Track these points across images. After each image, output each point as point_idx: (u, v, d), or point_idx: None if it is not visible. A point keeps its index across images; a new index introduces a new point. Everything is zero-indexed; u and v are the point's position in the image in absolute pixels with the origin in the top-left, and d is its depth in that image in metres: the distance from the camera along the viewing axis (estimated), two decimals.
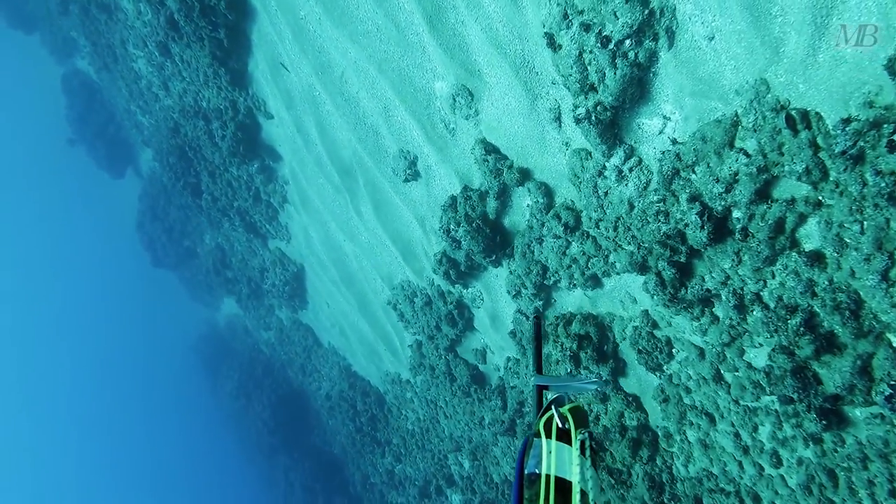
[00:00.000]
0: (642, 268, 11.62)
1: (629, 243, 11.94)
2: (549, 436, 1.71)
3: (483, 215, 15.50)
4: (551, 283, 15.16)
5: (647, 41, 9.72)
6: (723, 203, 9.50)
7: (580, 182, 12.55)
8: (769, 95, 8.75)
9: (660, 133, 10.71)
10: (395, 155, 18.02)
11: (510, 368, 18.90)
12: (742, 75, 9.04)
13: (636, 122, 10.91)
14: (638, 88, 10.29)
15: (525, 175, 14.03)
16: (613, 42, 9.81)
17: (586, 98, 10.76)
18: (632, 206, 11.72)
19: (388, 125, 17.75)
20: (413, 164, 17.76)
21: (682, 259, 10.56)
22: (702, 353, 12.17)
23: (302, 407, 42.53)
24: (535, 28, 11.77)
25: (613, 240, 12.45)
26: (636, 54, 9.86)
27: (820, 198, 8.62)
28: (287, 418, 43.66)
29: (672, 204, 10.40)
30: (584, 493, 1.37)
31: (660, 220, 10.51)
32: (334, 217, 24.39)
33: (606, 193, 12.07)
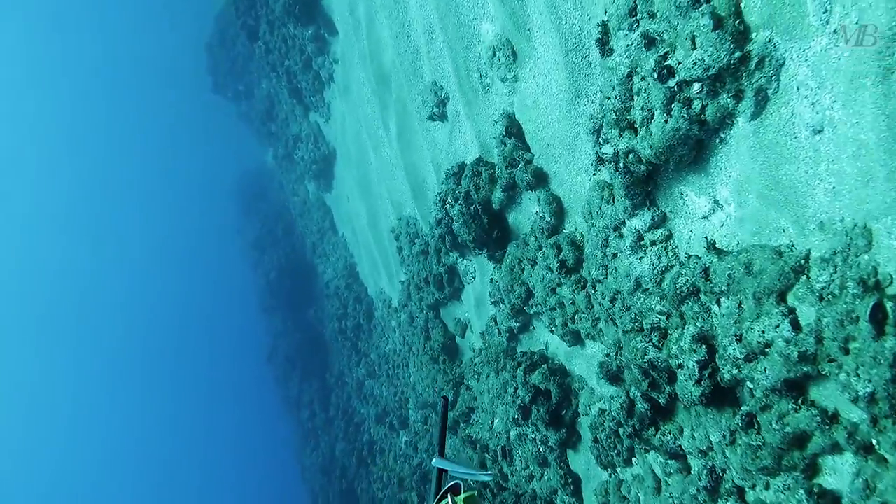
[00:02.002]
0: (614, 378, 8.64)
1: (616, 328, 8.91)
2: None
3: (486, 201, 12.47)
4: (532, 312, 12.26)
5: (724, 96, 6.32)
6: (736, 371, 6.36)
7: (592, 225, 9.35)
8: (865, 256, 5.46)
9: (704, 218, 7.45)
10: (428, 85, 14.89)
11: (474, 365, 16.33)
12: (839, 207, 5.71)
13: (679, 190, 7.63)
14: (692, 152, 6.93)
15: (540, 179, 10.88)
16: (677, 79, 6.40)
17: (620, 136, 7.43)
18: (638, 287, 8.57)
19: (427, 49, 14.58)
20: (442, 104, 14.64)
21: (662, 401, 7.53)
22: (658, 488, 9.36)
23: (306, 281, 41.48)
24: (600, 8, 8.24)
25: (608, 311, 9.39)
26: (703, 107, 6.47)
27: (875, 442, 5.53)
28: (290, 286, 42.79)
29: (674, 328, 7.26)
30: None
31: (650, 341, 7.42)
32: (366, 119, 21.79)
33: (615, 256, 8.94)
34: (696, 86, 6.52)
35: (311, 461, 41.97)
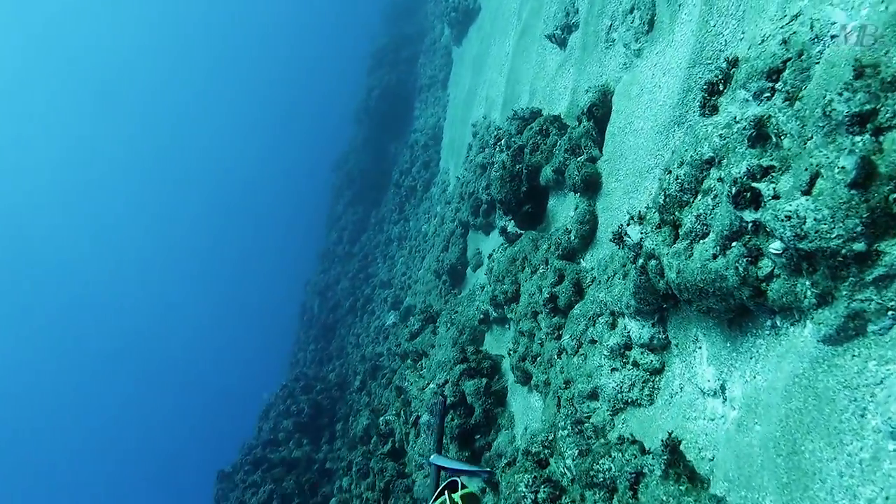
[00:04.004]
0: (540, 464, 6.70)
1: (556, 412, 6.92)
2: None
3: (535, 170, 10.07)
4: (508, 316, 10.20)
5: (805, 283, 3.84)
6: None
7: (596, 287, 7.05)
8: None
9: (702, 392, 5.14)
10: (560, 4, 11.95)
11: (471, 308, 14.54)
12: None
13: (696, 334, 5.23)
14: (729, 312, 4.49)
15: (589, 187, 8.50)
16: (758, 216, 3.89)
17: (657, 229, 4.96)
18: (593, 397, 6.45)
19: None
20: (567, 30, 11.85)
21: None
22: None
23: (400, 115, 39.65)
24: (751, 38, 5.46)
25: (557, 388, 7.35)
26: (771, 275, 4.02)
27: None
28: (385, 111, 41.07)
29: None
30: None
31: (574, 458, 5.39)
32: (502, 8, 18.87)
33: (593, 343, 6.70)
34: (777, 245, 3.95)
35: (316, 280, 42.22)
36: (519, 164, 10.25)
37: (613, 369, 6.42)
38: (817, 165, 3.74)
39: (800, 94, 4.16)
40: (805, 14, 4.50)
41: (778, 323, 4.41)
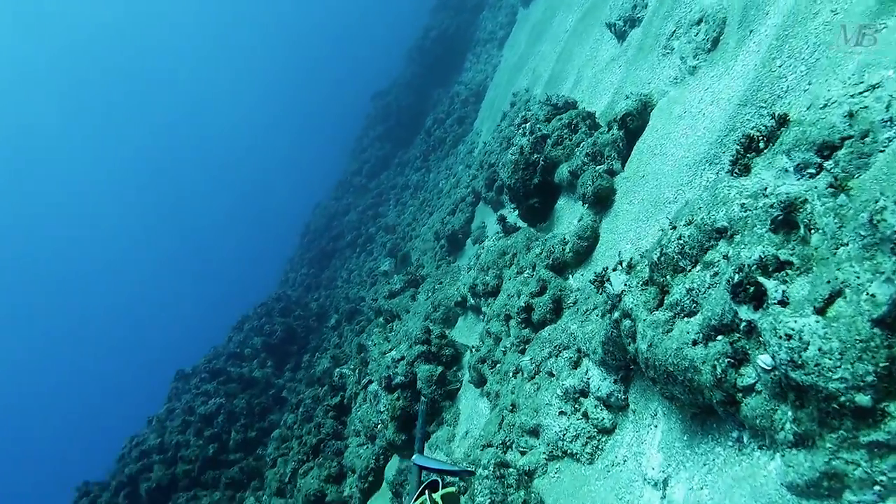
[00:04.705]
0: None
1: (497, 430, 6.34)
2: None
3: (552, 164, 9.29)
4: (483, 310, 9.60)
5: (785, 414, 3.06)
6: None
7: (572, 317, 6.37)
8: None
9: (644, 479, 4.48)
10: None
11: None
12: None
13: (656, 410, 4.55)
14: (694, 407, 3.80)
15: (599, 202, 7.71)
16: (756, 317, 3.16)
17: (643, 287, 4.26)
18: (533, 434, 5.85)
19: None
20: (630, 23, 10.87)
21: None
22: None
23: (451, 63, 38.33)
24: (819, 90, 4.61)
25: (503, 408, 6.75)
26: (751, 389, 3.26)
27: None
28: (438, 54, 39.81)
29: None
30: None
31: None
32: None
33: (551, 376, 6.05)
34: (768, 361, 3.23)
35: (327, 205, 41.70)
36: (538, 153, 9.46)
37: (562, 413, 5.77)
38: (843, 282, 2.99)
39: (849, 185, 3.37)
40: (886, 87, 3.67)
41: (745, 439, 3.72)
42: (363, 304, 21.91)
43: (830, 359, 2.86)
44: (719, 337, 3.62)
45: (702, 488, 3.94)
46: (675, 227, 4.17)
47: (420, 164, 31.52)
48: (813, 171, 3.78)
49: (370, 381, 11.61)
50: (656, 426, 4.78)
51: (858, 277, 2.96)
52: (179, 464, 19.47)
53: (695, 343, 3.76)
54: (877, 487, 2.87)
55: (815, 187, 3.58)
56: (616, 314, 4.67)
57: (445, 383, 9.41)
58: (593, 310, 6.27)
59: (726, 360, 3.51)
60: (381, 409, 10.42)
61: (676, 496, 4.17)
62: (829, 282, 3.05)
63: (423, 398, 9.24)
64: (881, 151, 3.59)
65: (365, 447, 10.95)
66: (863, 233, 3.08)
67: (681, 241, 4.03)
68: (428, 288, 14.06)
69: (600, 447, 5.43)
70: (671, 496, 4.23)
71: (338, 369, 14.99)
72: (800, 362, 2.96)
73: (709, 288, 3.80)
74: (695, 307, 3.88)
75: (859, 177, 3.51)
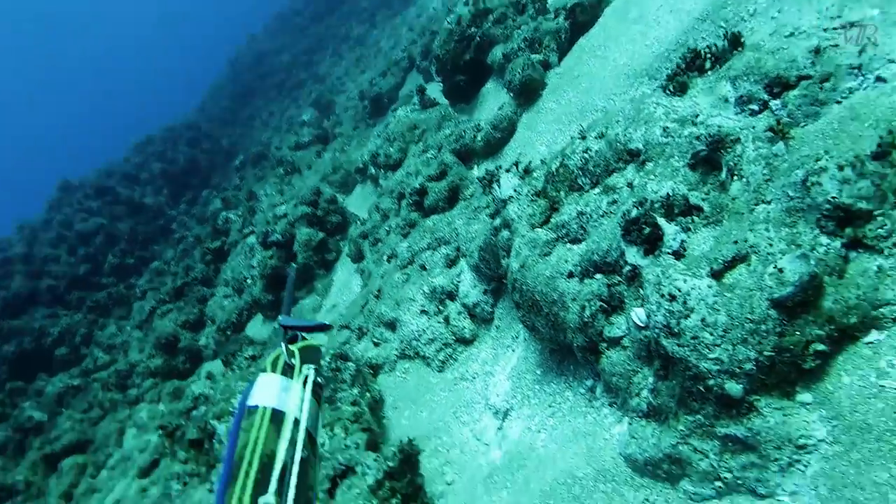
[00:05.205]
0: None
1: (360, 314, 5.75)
2: (274, 371, 1.40)
3: (490, 41, 8.35)
4: (379, 180, 8.88)
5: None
6: None
7: (465, 211, 5.73)
8: None
9: (486, 404, 3.98)
10: None
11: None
12: None
13: (516, 333, 4.01)
14: (560, 349, 3.26)
15: (525, 95, 6.84)
16: (660, 253, 2.49)
17: (522, 206, 3.57)
18: (391, 328, 5.27)
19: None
20: None
21: None
22: None
23: None
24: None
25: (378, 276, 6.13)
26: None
27: None
28: None
29: None
30: (297, 421, 1.23)
31: None
32: None
33: (423, 269, 5.44)
34: (641, 317, 2.73)
35: (263, 39, 38.85)
36: (476, 28, 8.49)
37: (423, 311, 5.27)
38: (751, 247, 2.44)
39: (791, 134, 2.76)
40: (866, 28, 3.02)
41: (598, 391, 3.28)
42: (272, 150, 20.61)
43: (712, 334, 2.36)
44: (598, 275, 3.07)
45: (539, 432, 3.54)
46: (584, 138, 3.50)
47: (367, 17, 29.29)
48: (756, 107, 3.15)
49: (252, 233, 10.83)
50: (515, 350, 4.33)
51: (771, 245, 2.42)
52: (45, 278, 18.31)
53: (570, 276, 3.20)
54: (718, 484, 2.47)
55: (753, 127, 2.97)
56: (497, 221, 4.06)
57: (324, 251, 8.77)
58: (485, 209, 5.66)
59: (598, 304, 2.98)
60: (254, 265, 9.73)
61: (512, 432, 3.76)
62: (736, 242, 2.50)
63: (292, 264, 8.59)
64: (838, 102, 3.00)
65: (230, 299, 10.32)
66: (791, 193, 2.51)
67: (586, 155, 3.39)
68: (336, 147, 13.10)
69: (454, 357, 4.99)
70: (507, 430, 3.83)
71: (224, 213, 14.05)
72: (676, 330, 2.44)
73: (602, 216, 3.21)
74: (582, 234, 3.29)
75: (805, 126, 2.92)
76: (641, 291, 2.73)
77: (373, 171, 9.71)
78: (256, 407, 1.30)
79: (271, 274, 8.98)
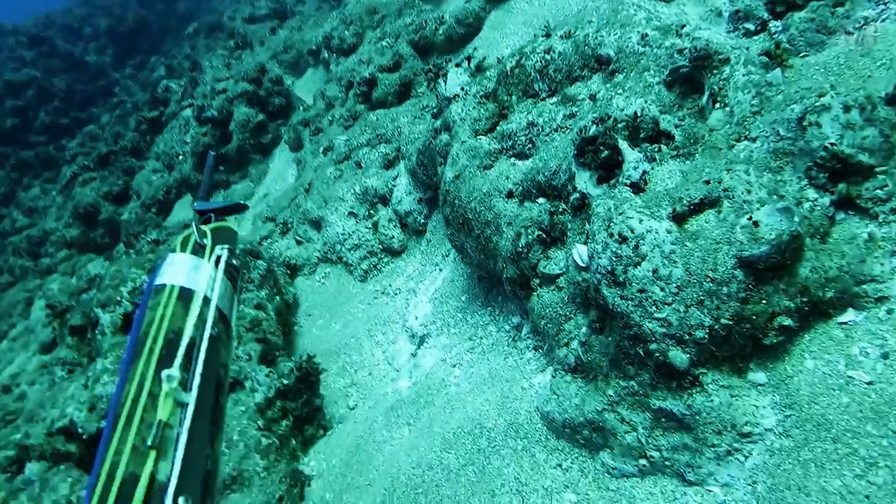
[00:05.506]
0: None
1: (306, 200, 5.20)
2: (184, 252, 1.35)
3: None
4: (331, 64, 8.11)
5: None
6: None
7: (412, 109, 5.11)
8: None
9: (404, 326, 3.54)
10: None
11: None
12: None
13: (446, 251, 3.53)
14: (489, 277, 2.80)
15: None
16: (616, 183, 1.98)
17: (468, 107, 3.00)
18: (315, 226, 4.73)
19: None
20: None
21: None
22: None
23: None
24: None
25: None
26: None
27: None
28: None
29: None
30: (207, 300, 1.22)
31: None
32: None
33: (358, 166, 4.89)
34: (583, 256, 2.29)
35: None
36: None
37: (351, 213, 4.78)
38: (725, 190, 2.00)
39: (790, 62, 2.28)
40: None
41: (524, 331, 2.90)
42: (227, 20, 19.11)
43: (663, 290, 1.95)
44: (541, 199, 2.61)
45: (454, 366, 3.16)
46: (548, 36, 2.95)
47: None
48: (752, 26, 2.65)
49: (191, 106, 9.96)
50: (441, 270, 3.90)
51: (748, 192, 1.98)
52: None
53: (510, 195, 2.74)
54: (643, 462, 2.14)
55: (747, 49, 2.48)
56: (438, 122, 3.53)
57: (262, 134, 8.07)
58: (435, 108, 5.09)
59: (537, 233, 2.54)
60: (187, 140, 8.98)
61: (426, 361, 3.39)
62: (707, 182, 2.06)
63: (211, 151, 7.89)
64: (849, 34, 2.52)
65: (159, 175, 9.57)
66: (782, 132, 2.06)
67: (548, 56, 2.85)
68: (294, 25, 12.05)
69: (378, 268, 4.55)
70: (421, 358, 3.45)
71: (165, 81, 12.97)
72: (621, 279, 2.02)
73: (555, 131, 2.71)
74: (529, 149, 2.81)
75: (806, 57, 2.45)
76: (588, 226, 2.29)
77: (325, 54, 8.90)
78: (164, 285, 1.27)
79: (203, 152, 8.28)
